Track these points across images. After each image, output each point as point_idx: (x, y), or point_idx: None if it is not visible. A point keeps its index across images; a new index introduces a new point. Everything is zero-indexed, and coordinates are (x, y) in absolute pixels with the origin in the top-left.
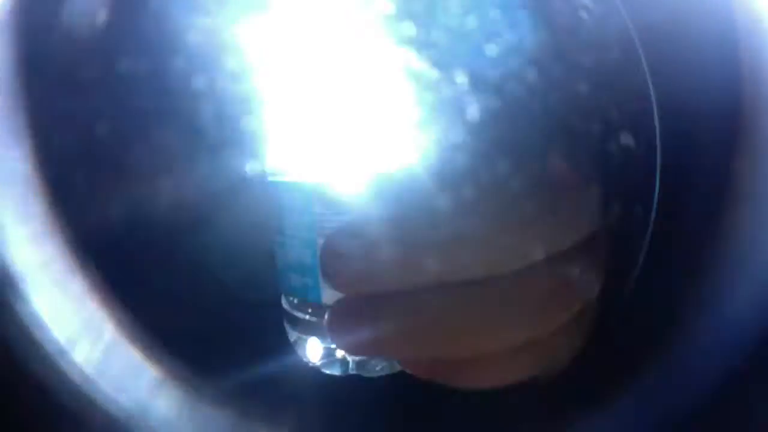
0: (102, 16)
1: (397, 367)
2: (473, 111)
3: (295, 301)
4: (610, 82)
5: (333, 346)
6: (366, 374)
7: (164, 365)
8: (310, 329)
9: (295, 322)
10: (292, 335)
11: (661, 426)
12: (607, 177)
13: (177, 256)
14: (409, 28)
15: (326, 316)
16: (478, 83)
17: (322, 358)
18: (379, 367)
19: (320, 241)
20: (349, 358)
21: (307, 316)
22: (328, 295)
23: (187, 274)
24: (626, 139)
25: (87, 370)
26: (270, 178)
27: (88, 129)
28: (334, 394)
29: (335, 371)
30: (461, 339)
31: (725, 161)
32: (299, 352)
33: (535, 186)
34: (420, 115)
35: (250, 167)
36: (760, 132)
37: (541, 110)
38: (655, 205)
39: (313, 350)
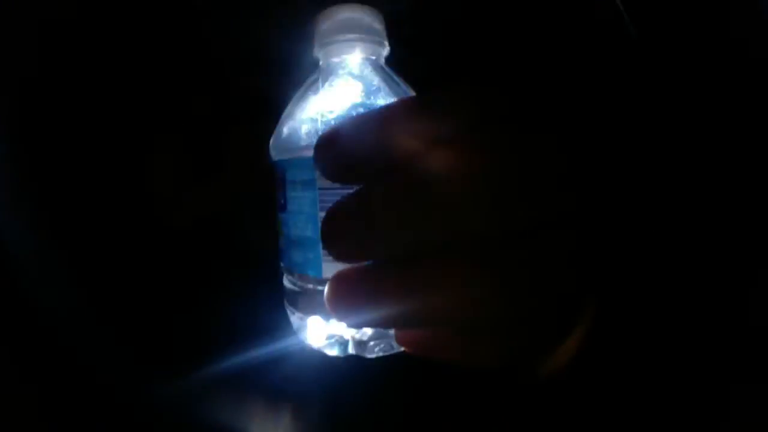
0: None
1: (395, 348)
2: None
3: (297, 276)
4: None
5: (332, 324)
6: (364, 355)
7: (164, 351)
8: (310, 306)
9: (296, 301)
10: (293, 317)
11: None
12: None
13: (175, 246)
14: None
15: (325, 288)
16: None
17: (322, 339)
18: (377, 348)
19: (322, 216)
20: (348, 338)
21: (308, 293)
22: (329, 269)
23: (185, 262)
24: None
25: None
26: (275, 158)
27: (86, 127)
28: (334, 375)
29: (335, 352)
30: (453, 307)
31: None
32: (300, 333)
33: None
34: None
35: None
36: None
37: None
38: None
39: (314, 331)
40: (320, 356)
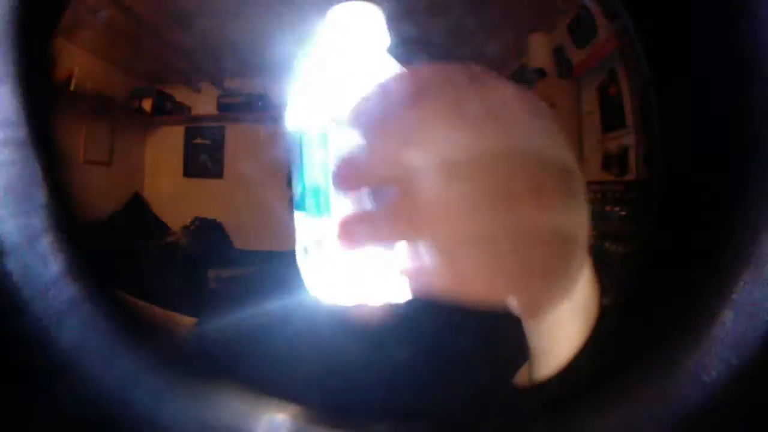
0: None
1: (400, 295)
2: None
3: (309, 222)
4: None
5: (342, 265)
6: (372, 302)
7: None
8: (321, 249)
9: (308, 247)
10: (305, 263)
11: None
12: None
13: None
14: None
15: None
16: None
17: (331, 286)
18: (385, 294)
19: (332, 168)
20: (357, 285)
21: (320, 236)
22: (339, 212)
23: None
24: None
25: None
26: (293, 126)
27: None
28: (343, 329)
29: (344, 301)
30: (452, 223)
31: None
32: (309, 282)
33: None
34: None
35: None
36: None
37: None
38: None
39: (323, 279)
40: (328, 313)
